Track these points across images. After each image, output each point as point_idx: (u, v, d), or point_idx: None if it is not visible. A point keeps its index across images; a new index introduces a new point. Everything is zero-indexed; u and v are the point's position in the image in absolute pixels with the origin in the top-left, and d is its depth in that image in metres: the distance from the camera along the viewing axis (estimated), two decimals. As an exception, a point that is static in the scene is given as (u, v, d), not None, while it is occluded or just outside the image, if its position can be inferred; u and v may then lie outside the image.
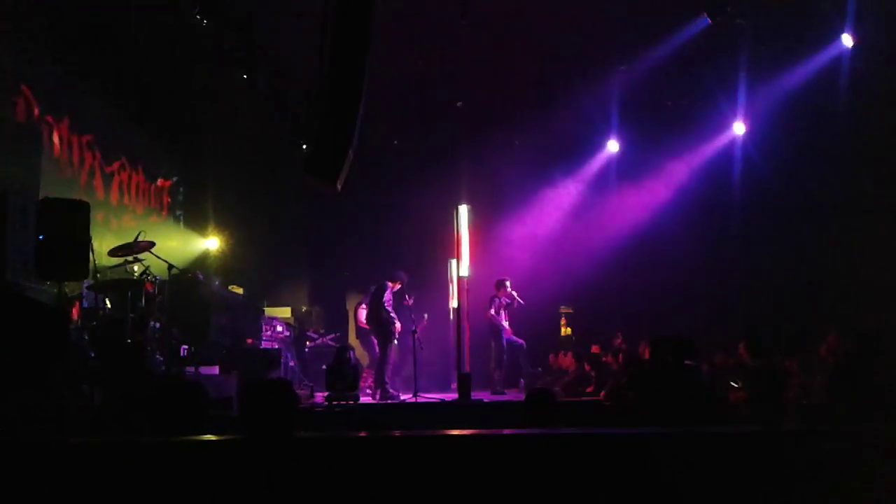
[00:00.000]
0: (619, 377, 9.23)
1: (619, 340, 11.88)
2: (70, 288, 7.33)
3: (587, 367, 11.13)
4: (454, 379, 10.74)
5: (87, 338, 7.11)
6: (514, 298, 11.48)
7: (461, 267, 10.10)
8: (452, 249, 10.34)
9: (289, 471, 2.72)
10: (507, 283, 11.46)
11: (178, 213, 12.56)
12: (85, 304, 7.75)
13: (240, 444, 2.92)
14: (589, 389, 10.54)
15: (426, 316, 12.58)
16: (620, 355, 10.63)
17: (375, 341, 10.70)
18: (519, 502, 2.78)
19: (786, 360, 8.81)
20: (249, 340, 10.41)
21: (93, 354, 6.89)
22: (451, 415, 8.88)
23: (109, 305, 7.71)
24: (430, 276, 12.51)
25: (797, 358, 8.89)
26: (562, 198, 14.47)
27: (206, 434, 3.03)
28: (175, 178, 12.39)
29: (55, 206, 6.81)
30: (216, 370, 8.91)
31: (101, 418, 6.07)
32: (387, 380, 9.94)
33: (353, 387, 9.36)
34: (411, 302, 10.70)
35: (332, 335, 12.84)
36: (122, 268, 8.24)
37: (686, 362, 6.78)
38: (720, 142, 13.08)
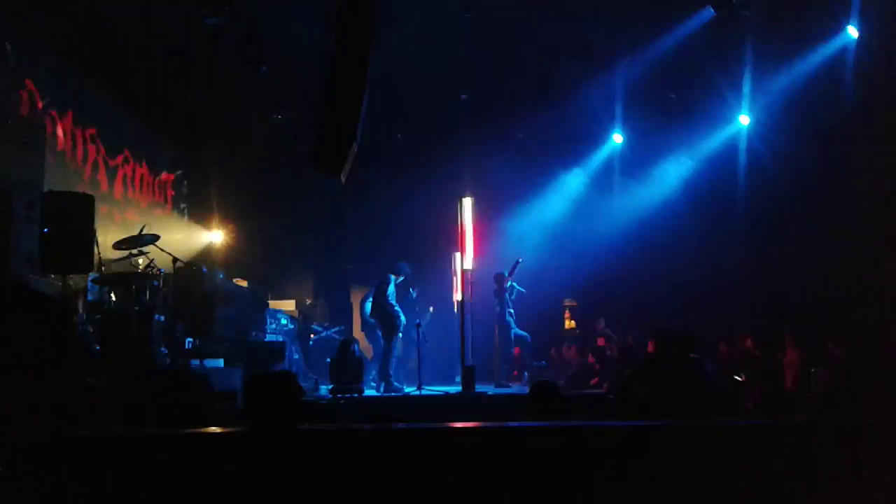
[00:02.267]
0: (622, 369, 9.23)
1: (601, 326, 11.89)
2: (75, 281, 7.35)
3: (591, 360, 11.14)
4: (458, 372, 10.76)
5: (91, 331, 7.13)
6: (515, 288, 11.50)
7: (465, 260, 10.10)
8: (456, 242, 10.34)
9: (293, 462, 2.73)
10: (506, 274, 11.46)
11: (183, 206, 12.57)
12: (90, 298, 7.77)
13: (245, 436, 2.93)
14: (593, 382, 10.56)
15: (431, 309, 12.58)
16: (613, 344, 10.66)
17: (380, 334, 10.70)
18: (523, 494, 2.78)
19: (789, 353, 8.83)
20: (254, 333, 10.43)
21: (97, 347, 6.91)
22: (455, 407, 8.89)
23: (114, 298, 7.72)
24: (434, 269, 12.51)
25: (801, 351, 8.90)
26: (566, 190, 14.45)
27: (211, 426, 3.05)
28: (179, 172, 12.39)
29: (59, 199, 6.83)
30: (221, 363, 8.93)
31: (106, 411, 6.08)
32: (391, 372, 9.95)
33: (357, 379, 9.38)
34: (415, 295, 10.68)
35: (337, 328, 12.86)
36: (126, 261, 8.25)
37: (691, 355, 6.78)
38: (725, 134, 13.04)
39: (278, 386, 3.23)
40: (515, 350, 11.55)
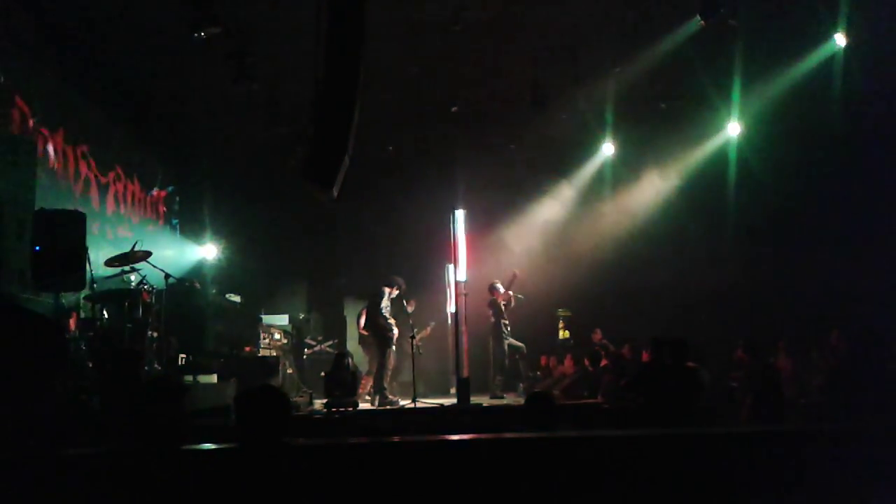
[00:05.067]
0: (614, 378, 9.22)
1: (598, 336, 11.88)
2: (67, 299, 7.32)
3: (587, 363, 11.13)
4: (453, 384, 10.73)
5: (84, 348, 7.09)
6: (511, 297, 11.50)
7: (458, 271, 10.09)
8: (449, 254, 10.34)
9: (287, 478, 2.71)
10: (499, 285, 11.46)
11: (175, 222, 12.54)
12: (82, 315, 7.74)
13: (236, 452, 2.92)
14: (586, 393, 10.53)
15: (432, 324, 12.55)
16: (604, 354, 10.65)
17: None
18: (519, 506, 2.77)
19: (782, 360, 8.84)
20: (247, 348, 10.39)
21: (90, 364, 6.87)
22: (450, 419, 8.86)
23: (107, 315, 7.69)
24: (427, 282, 12.49)
25: (794, 357, 8.91)
26: (557, 201, 14.49)
27: (202, 443, 3.03)
28: (171, 188, 12.38)
29: (51, 217, 6.81)
30: (214, 378, 8.90)
31: (100, 428, 6.04)
32: (385, 386, 9.92)
33: (351, 393, 9.35)
34: (411, 308, 10.66)
35: (330, 342, 12.82)
36: (118, 278, 8.23)
37: (688, 364, 6.79)
38: (715, 143, 13.11)
39: (266, 401, 3.19)
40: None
